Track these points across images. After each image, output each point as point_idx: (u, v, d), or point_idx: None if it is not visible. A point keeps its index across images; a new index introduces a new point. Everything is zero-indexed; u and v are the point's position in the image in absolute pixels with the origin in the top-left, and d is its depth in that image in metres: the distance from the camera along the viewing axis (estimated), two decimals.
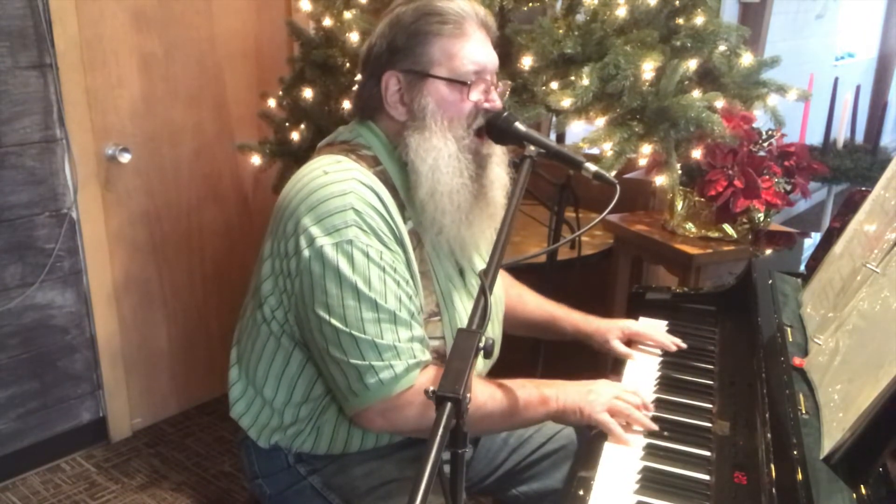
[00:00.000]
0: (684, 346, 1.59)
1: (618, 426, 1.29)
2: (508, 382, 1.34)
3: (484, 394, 1.30)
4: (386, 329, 1.24)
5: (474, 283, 1.43)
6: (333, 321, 1.23)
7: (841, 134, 3.81)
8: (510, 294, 1.65)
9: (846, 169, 3.65)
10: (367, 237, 1.24)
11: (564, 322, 1.64)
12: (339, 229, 1.23)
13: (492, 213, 1.37)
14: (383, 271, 1.25)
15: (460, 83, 1.30)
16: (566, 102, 1.83)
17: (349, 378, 1.25)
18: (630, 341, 1.62)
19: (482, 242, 1.40)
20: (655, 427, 1.30)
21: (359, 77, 1.43)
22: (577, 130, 2.21)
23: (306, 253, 1.23)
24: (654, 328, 1.64)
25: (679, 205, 2.24)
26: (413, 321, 1.28)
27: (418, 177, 1.29)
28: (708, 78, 2.08)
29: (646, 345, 1.61)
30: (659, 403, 1.40)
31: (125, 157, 2.54)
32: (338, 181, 1.26)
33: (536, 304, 1.67)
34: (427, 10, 1.30)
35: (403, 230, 1.30)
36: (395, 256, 1.27)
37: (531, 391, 1.33)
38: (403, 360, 1.25)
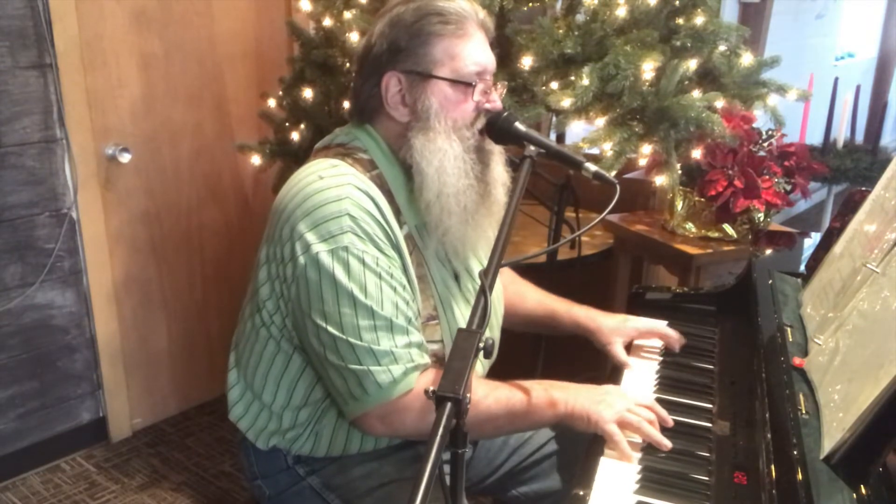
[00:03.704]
0: (684, 341, 1.57)
1: (624, 440, 1.23)
2: (517, 383, 1.31)
3: (489, 396, 1.28)
4: (382, 336, 1.23)
5: (470, 288, 1.42)
6: (330, 328, 1.23)
7: (841, 134, 3.81)
8: (509, 290, 1.64)
9: (846, 169, 3.64)
10: (362, 243, 1.23)
11: (564, 317, 1.62)
12: (334, 235, 1.22)
13: (495, 213, 1.36)
14: (379, 278, 1.24)
15: (464, 84, 1.30)
16: (566, 102, 1.83)
17: (348, 383, 1.25)
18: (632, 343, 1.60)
19: (483, 243, 1.39)
20: (669, 444, 1.24)
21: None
22: (577, 130, 2.21)
23: (302, 259, 1.23)
24: (659, 326, 1.61)
25: (679, 205, 2.24)
26: (410, 327, 1.27)
27: (424, 178, 1.28)
28: (708, 78, 2.08)
29: (650, 349, 1.60)
30: (659, 404, 1.39)
31: (125, 157, 2.54)
32: (333, 186, 1.25)
33: (536, 301, 1.65)
34: (428, 9, 1.29)
35: (399, 235, 1.29)
36: (391, 262, 1.26)
37: (539, 393, 1.29)
38: (401, 365, 1.24)
